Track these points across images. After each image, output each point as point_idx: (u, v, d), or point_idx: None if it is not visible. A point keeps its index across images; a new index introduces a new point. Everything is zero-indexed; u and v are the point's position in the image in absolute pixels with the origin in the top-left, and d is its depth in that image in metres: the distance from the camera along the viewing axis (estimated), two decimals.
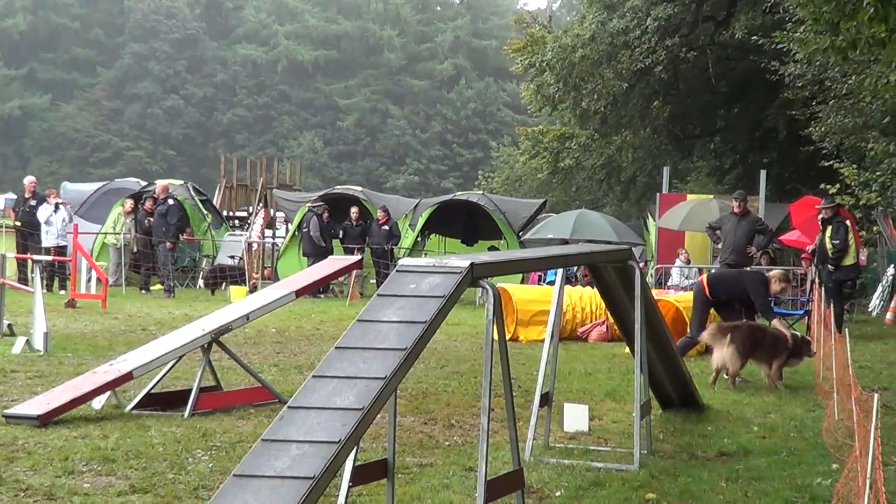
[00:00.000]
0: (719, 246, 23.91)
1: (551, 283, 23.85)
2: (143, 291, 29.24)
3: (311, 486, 5.59)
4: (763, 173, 31.11)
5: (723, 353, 15.15)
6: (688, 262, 29.32)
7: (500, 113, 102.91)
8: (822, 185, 27.34)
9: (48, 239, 27.78)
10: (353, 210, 31.98)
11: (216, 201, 38.04)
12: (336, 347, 6.73)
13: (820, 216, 22.92)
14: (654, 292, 17.17)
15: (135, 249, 30.34)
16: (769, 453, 10.82)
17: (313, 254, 29.27)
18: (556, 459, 10.30)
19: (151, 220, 29.69)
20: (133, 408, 12.14)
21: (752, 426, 12.29)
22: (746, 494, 9.18)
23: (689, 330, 17.55)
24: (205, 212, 33.90)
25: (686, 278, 28.60)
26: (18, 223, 29.26)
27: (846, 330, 15.35)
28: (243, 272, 31.15)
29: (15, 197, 36.53)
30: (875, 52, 15.62)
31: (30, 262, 23.91)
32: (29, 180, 30.18)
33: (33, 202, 28.91)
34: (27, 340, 16.57)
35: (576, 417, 11.70)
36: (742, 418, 12.76)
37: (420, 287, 7.13)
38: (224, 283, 30.28)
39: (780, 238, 29.34)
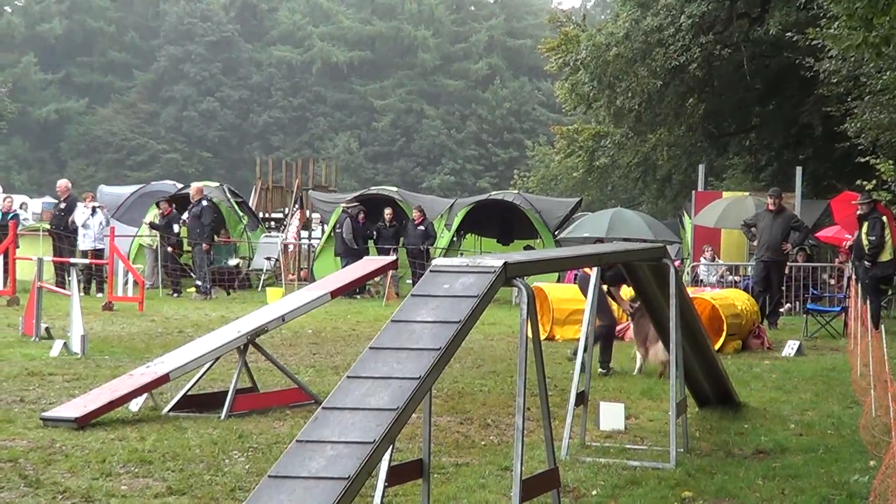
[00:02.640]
0: (755, 243, 23.86)
1: None
2: (175, 295, 29.14)
3: (346, 486, 5.60)
4: (799, 170, 30.98)
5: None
6: (713, 258, 29.23)
7: (535, 112, 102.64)
8: (859, 182, 27.17)
9: (85, 242, 27.87)
10: (387, 211, 32.00)
11: (252, 203, 38.13)
12: (370, 348, 6.75)
13: (857, 212, 22.80)
14: (690, 290, 17.14)
15: (169, 249, 30.37)
16: (806, 451, 10.79)
17: (346, 255, 29.33)
18: (592, 458, 10.30)
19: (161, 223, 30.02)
20: (170, 410, 12.20)
21: (789, 424, 12.25)
22: (783, 492, 9.15)
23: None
24: (241, 213, 34.00)
25: (712, 275, 28.52)
26: (49, 226, 29.35)
27: (883, 326, 15.28)
28: (244, 273, 30.94)
29: (54, 201, 36.75)
30: None
31: (67, 265, 24.04)
32: (61, 184, 30.24)
33: (62, 205, 29.02)
34: (64, 343, 16.67)
35: (612, 416, 11.69)
36: (778, 416, 12.72)
37: (454, 287, 7.14)
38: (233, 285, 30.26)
39: (817, 234, 29.22)
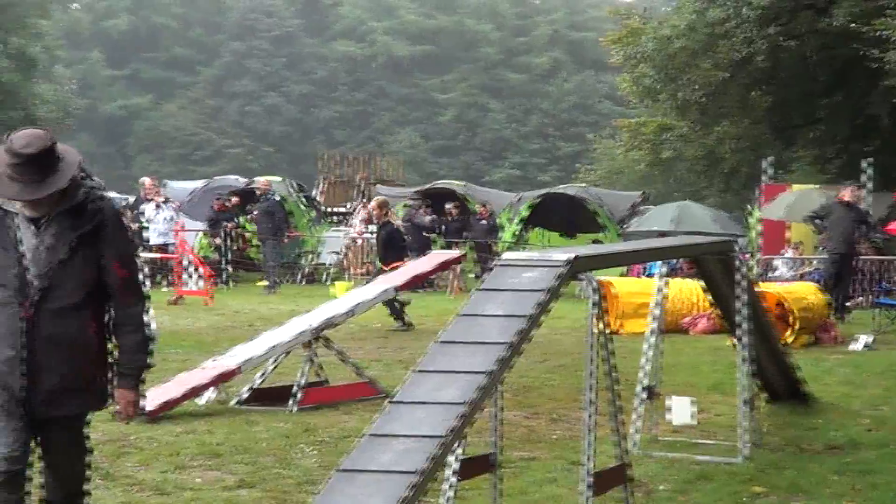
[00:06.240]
0: (824, 235, 23.64)
1: (652, 274, 23.69)
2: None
3: (417, 479, 5.60)
4: (868, 162, 30.69)
5: None
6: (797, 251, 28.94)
7: (599, 105, 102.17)
8: None
9: (153, 237, 28.03)
10: (453, 205, 32.07)
11: (317, 197, 38.24)
12: (438, 342, 6.74)
13: None
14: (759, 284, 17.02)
15: (240, 246, 30.45)
16: (879, 446, 10.68)
17: (411, 249, 29.38)
18: (661, 453, 10.25)
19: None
20: (239, 403, 12.26)
21: (861, 418, 12.14)
22: (856, 488, 9.06)
23: None
24: (304, 207, 34.14)
25: (790, 270, 28.25)
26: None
27: None
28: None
29: (123, 196, 36.74)
30: None
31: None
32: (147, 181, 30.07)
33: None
34: None
35: (681, 411, 11.65)
36: (850, 411, 12.60)
37: (521, 281, 7.13)
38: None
39: (885, 227, 28.92)
